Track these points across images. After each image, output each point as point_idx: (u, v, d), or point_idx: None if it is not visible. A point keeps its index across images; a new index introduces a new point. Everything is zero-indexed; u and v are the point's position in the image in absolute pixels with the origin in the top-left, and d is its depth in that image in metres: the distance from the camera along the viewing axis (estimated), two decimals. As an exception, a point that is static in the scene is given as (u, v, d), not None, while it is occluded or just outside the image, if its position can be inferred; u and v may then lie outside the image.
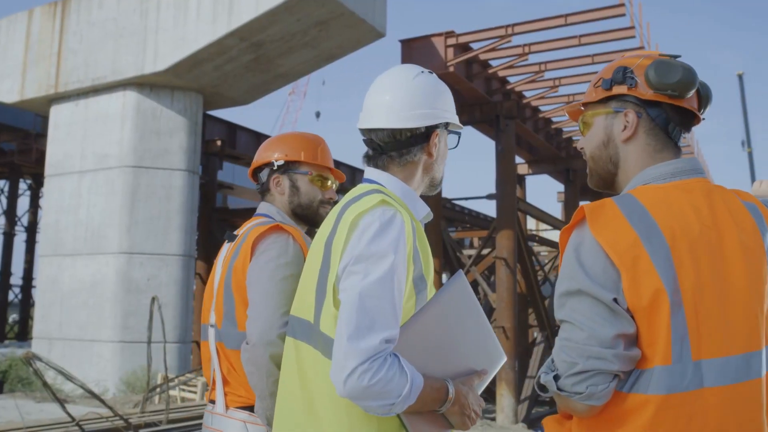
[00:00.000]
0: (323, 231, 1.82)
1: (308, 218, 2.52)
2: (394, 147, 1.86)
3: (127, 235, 13.25)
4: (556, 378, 1.47)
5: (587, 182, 1.76)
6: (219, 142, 16.80)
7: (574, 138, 18.33)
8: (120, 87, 13.64)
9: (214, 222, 17.54)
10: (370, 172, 1.90)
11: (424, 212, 1.91)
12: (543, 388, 1.50)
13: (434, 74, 1.94)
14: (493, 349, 1.86)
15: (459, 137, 1.98)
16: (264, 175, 2.58)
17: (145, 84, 13.53)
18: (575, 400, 1.44)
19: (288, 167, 2.52)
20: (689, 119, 1.64)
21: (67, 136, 14.27)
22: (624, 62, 1.65)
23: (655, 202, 1.49)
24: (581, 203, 19.04)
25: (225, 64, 13.19)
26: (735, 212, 1.53)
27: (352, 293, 1.62)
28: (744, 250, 1.49)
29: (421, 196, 1.93)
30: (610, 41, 12.92)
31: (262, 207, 2.59)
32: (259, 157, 2.57)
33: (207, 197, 17.12)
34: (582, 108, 1.75)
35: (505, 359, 1.90)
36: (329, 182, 2.55)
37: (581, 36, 13.04)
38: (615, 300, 1.42)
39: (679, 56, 1.64)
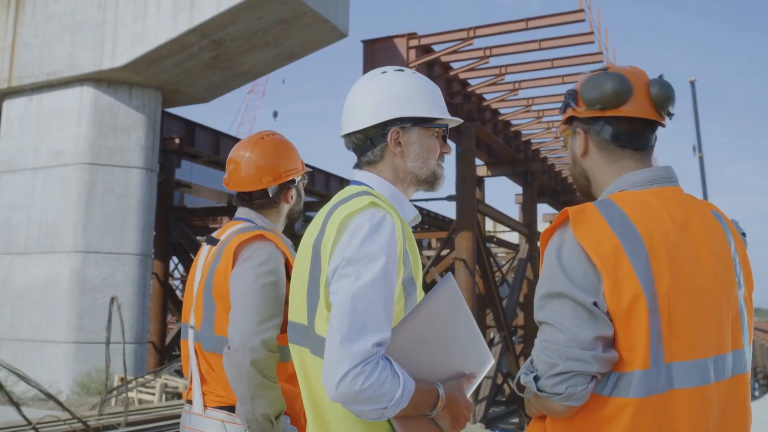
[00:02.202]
0: (311, 233, 1.81)
1: (294, 220, 2.64)
2: (362, 150, 1.89)
3: (83, 233, 12.97)
4: (536, 379, 1.49)
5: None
6: (177, 140, 16.56)
7: (532, 141, 18.56)
8: (77, 82, 13.35)
9: (171, 221, 17.29)
10: (357, 175, 1.91)
11: (413, 214, 1.91)
12: (522, 388, 1.53)
13: (406, 71, 1.92)
14: (482, 352, 1.86)
15: (445, 130, 1.93)
16: (273, 188, 2.60)
17: (102, 80, 13.27)
18: (554, 401, 1.47)
19: (293, 178, 2.63)
20: (644, 125, 1.65)
21: (20, 131, 13.90)
22: (578, 87, 1.70)
23: (634, 208, 1.53)
24: (538, 205, 19.24)
25: (185, 61, 13.01)
26: (707, 221, 1.59)
27: (343, 296, 1.60)
28: (716, 257, 1.54)
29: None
30: (569, 46, 13.12)
31: (242, 212, 2.63)
32: (272, 174, 2.59)
33: (164, 196, 16.87)
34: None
35: (492, 362, 1.89)
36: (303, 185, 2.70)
37: (541, 40, 13.21)
38: (595, 303, 1.45)
39: (607, 69, 1.68)
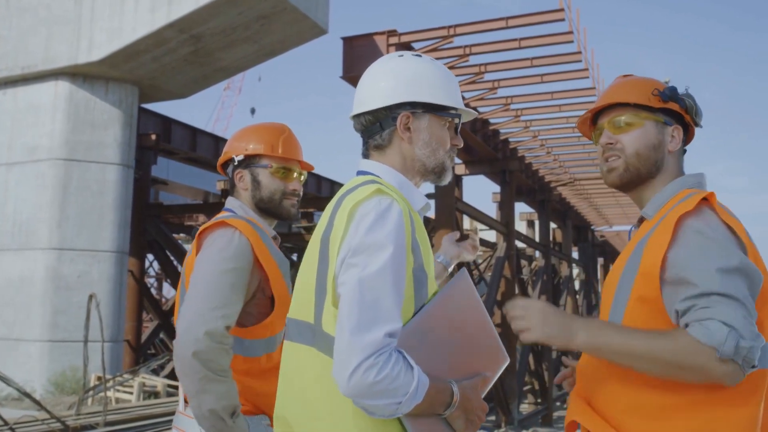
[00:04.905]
0: (319, 228, 1.75)
1: (272, 211, 2.48)
2: (368, 134, 1.83)
3: (58, 230, 12.77)
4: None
5: (610, 178, 1.87)
6: (153, 136, 16.34)
7: (510, 140, 18.63)
8: (52, 76, 13.12)
9: (147, 218, 17.10)
10: (363, 164, 1.85)
11: (422, 203, 1.83)
12: (739, 351, 1.48)
13: (424, 57, 1.87)
14: (497, 351, 1.83)
15: (458, 122, 1.87)
16: (229, 170, 2.55)
17: (78, 74, 13.06)
18: (741, 369, 1.49)
19: (249, 162, 2.48)
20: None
21: (-7, 126, 13.65)
22: (656, 82, 1.88)
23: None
24: (516, 204, 19.28)
25: (163, 56, 12.86)
26: None
27: (351, 286, 1.55)
28: None
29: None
30: (548, 45, 13.17)
31: (229, 202, 2.55)
32: (224, 153, 2.54)
33: (140, 192, 16.66)
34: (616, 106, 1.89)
35: (508, 361, 1.85)
36: (294, 174, 2.50)
37: (521, 39, 13.24)
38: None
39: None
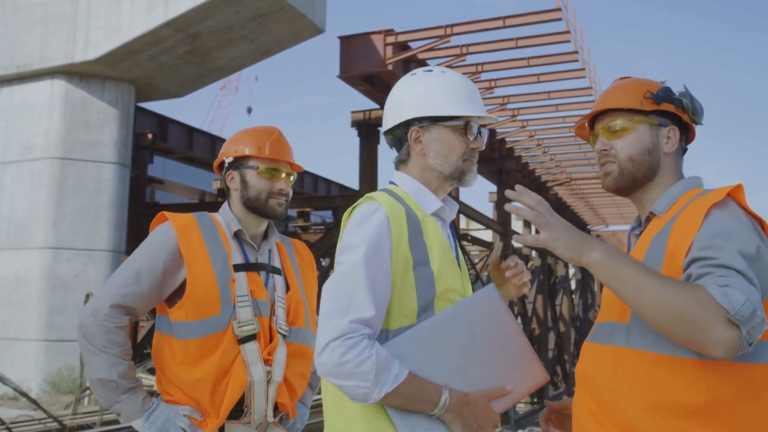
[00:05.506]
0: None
1: (259, 210, 2.56)
2: (396, 149, 2.05)
3: (54, 229, 12.74)
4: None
5: (606, 182, 1.86)
6: (150, 136, 16.33)
7: (507, 140, 18.65)
8: (48, 75, 13.08)
9: (143, 218, 17.06)
10: (392, 175, 2.06)
11: (435, 207, 1.96)
12: (752, 318, 1.41)
13: (435, 71, 2.01)
14: (527, 369, 1.83)
15: (469, 125, 1.97)
16: (223, 172, 2.68)
17: (74, 73, 13.03)
18: (740, 342, 1.41)
19: (239, 163, 2.59)
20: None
21: (-11, 125, 13.61)
22: (652, 83, 1.86)
23: None
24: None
25: (160, 55, 12.83)
26: None
27: (330, 280, 1.80)
28: None
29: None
30: (545, 44, 13.19)
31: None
32: (219, 155, 2.67)
33: (136, 192, 16.63)
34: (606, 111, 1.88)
35: (544, 379, 1.86)
36: (281, 174, 2.58)
37: (518, 39, 13.26)
38: None
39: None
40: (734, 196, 1.65)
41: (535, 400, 21.17)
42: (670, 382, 1.55)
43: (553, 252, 1.59)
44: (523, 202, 1.63)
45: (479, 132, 2.00)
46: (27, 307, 12.61)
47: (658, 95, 1.80)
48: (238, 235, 2.55)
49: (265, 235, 2.65)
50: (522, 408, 20.35)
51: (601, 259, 1.52)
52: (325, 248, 14.51)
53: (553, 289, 24.20)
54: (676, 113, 1.82)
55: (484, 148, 2.03)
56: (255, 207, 2.55)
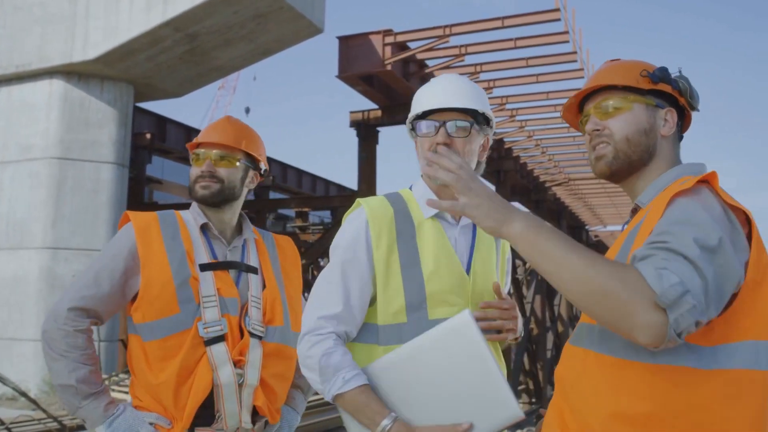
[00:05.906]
0: None
1: (194, 198, 2.45)
2: None
3: (52, 229, 12.73)
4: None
5: (599, 166, 1.71)
6: (148, 136, 16.34)
7: (505, 140, 18.65)
8: (46, 75, 13.07)
9: (142, 217, 17.04)
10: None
11: (432, 210, 1.98)
12: (679, 304, 1.26)
13: (431, 81, 2.04)
14: (497, 405, 1.70)
15: (435, 122, 1.93)
16: None
17: (73, 73, 13.01)
18: (665, 330, 1.27)
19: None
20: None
21: (-13, 125, 13.59)
22: (646, 63, 1.75)
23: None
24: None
25: (158, 55, 12.83)
26: None
27: (315, 281, 1.96)
28: None
29: None
30: (544, 45, 13.18)
31: None
32: None
33: (135, 192, 16.63)
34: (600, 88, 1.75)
35: (516, 416, 1.70)
36: (207, 156, 2.42)
37: (517, 39, 13.26)
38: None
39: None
40: (711, 184, 1.52)
41: (533, 400, 21.18)
42: (622, 388, 1.44)
43: (471, 220, 1.45)
44: (442, 164, 1.50)
45: (441, 126, 1.90)
46: (25, 307, 12.60)
47: (655, 74, 1.68)
48: (205, 230, 2.43)
49: (240, 230, 2.53)
50: (521, 408, 20.32)
51: (522, 231, 1.40)
52: (323, 248, 14.53)
53: (552, 288, 24.20)
54: (672, 95, 1.70)
55: (446, 139, 1.89)
56: (191, 195, 2.44)
